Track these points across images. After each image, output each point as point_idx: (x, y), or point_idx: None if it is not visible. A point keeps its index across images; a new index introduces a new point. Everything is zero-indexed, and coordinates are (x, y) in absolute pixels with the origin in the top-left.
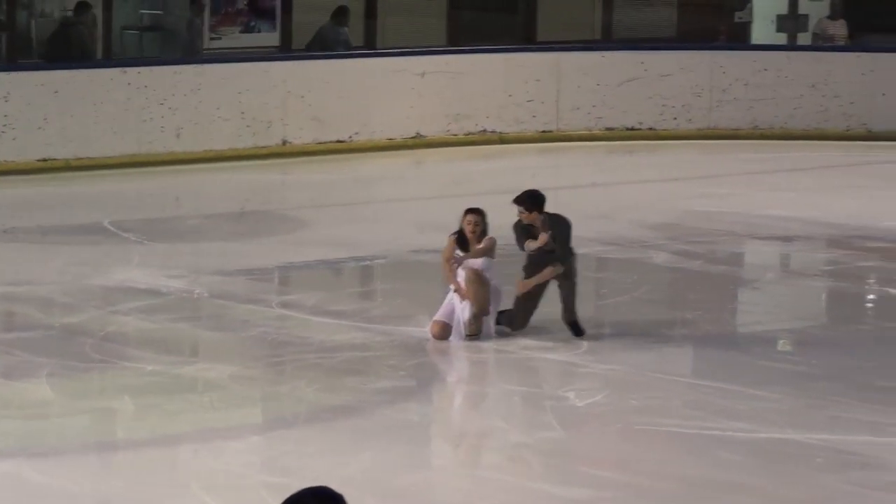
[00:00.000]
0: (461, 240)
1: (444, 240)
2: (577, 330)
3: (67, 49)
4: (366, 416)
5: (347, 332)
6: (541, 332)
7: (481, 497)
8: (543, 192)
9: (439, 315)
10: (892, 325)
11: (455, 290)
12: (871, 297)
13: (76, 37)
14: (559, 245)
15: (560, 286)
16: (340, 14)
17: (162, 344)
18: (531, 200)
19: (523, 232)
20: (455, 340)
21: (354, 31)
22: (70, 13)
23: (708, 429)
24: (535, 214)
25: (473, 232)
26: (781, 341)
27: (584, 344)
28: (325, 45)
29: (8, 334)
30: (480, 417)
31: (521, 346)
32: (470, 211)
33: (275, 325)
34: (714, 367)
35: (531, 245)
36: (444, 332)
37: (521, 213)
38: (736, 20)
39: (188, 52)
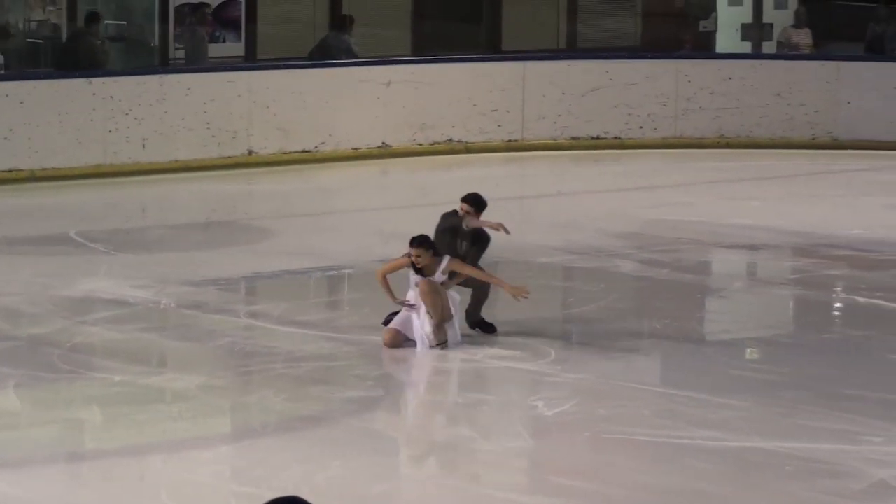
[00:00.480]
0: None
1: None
2: (487, 327)
3: (77, 59)
4: (333, 425)
5: (314, 342)
6: (508, 341)
7: None
8: (509, 200)
9: (394, 323)
10: (859, 333)
11: (405, 307)
12: (838, 305)
13: (85, 47)
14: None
15: (478, 288)
16: (342, 22)
17: (129, 354)
18: (477, 201)
19: (449, 224)
20: (421, 349)
21: (317, 41)
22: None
23: (677, 437)
24: (473, 215)
25: (418, 264)
26: (749, 350)
27: (552, 353)
28: (328, 53)
29: None
30: (448, 427)
31: (489, 356)
32: (412, 244)
33: (242, 336)
34: (682, 375)
35: (471, 222)
36: (395, 339)
37: (463, 209)
38: (700, 29)
39: (193, 61)
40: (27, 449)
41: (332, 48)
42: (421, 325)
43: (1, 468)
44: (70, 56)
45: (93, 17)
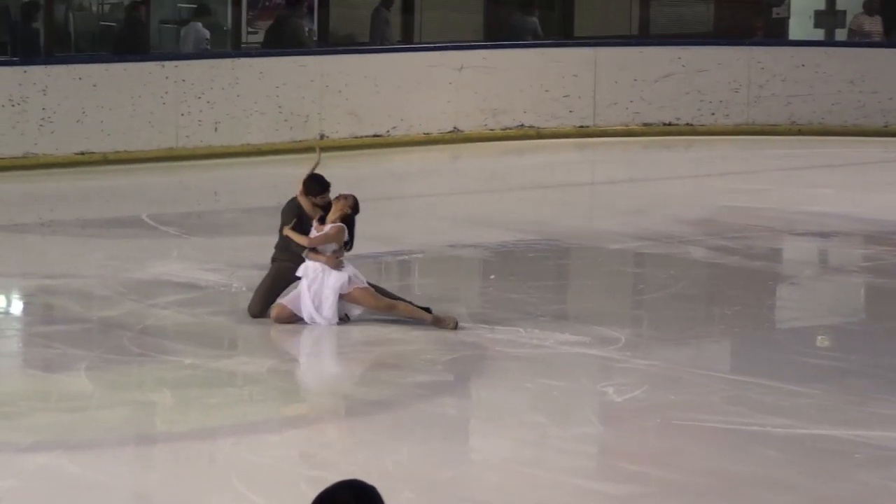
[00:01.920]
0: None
1: (481, 235)
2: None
3: (282, 40)
4: (403, 410)
5: (385, 326)
6: (578, 328)
7: (518, 492)
8: (580, 186)
9: (285, 299)
10: None
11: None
12: None
13: (291, 28)
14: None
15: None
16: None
17: (200, 337)
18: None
19: (294, 214)
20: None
21: (392, 26)
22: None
23: (747, 425)
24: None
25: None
26: (820, 337)
27: (623, 339)
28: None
29: (47, 327)
30: (518, 412)
31: (559, 342)
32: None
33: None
34: (753, 362)
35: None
36: (282, 314)
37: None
38: (773, 16)
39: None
40: (97, 431)
41: (518, 28)
42: (313, 298)
43: (71, 450)
44: (274, 36)
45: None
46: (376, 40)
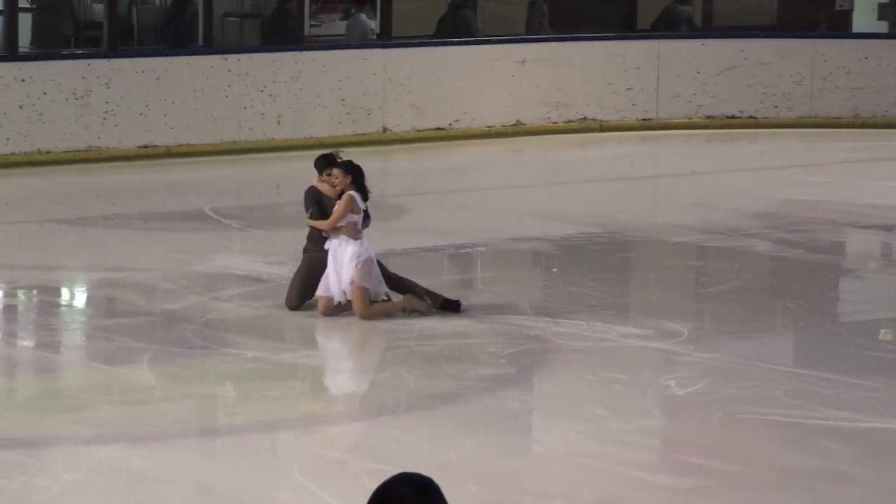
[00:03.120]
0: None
1: (543, 228)
2: (453, 305)
3: (457, 30)
4: (466, 403)
5: (448, 319)
6: (641, 321)
7: (580, 485)
8: (643, 179)
9: (320, 290)
10: None
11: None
12: None
13: (463, 18)
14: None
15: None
16: None
17: (263, 331)
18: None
19: (313, 200)
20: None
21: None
22: None
23: (810, 418)
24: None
25: (335, 186)
26: (883, 330)
27: (685, 332)
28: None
29: (109, 320)
30: (580, 405)
31: (622, 335)
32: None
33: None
34: (815, 356)
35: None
36: (327, 308)
37: (333, 176)
38: (837, 8)
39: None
40: (160, 424)
41: (673, 18)
42: (337, 281)
43: (134, 443)
44: (448, 26)
45: None
46: (533, 30)
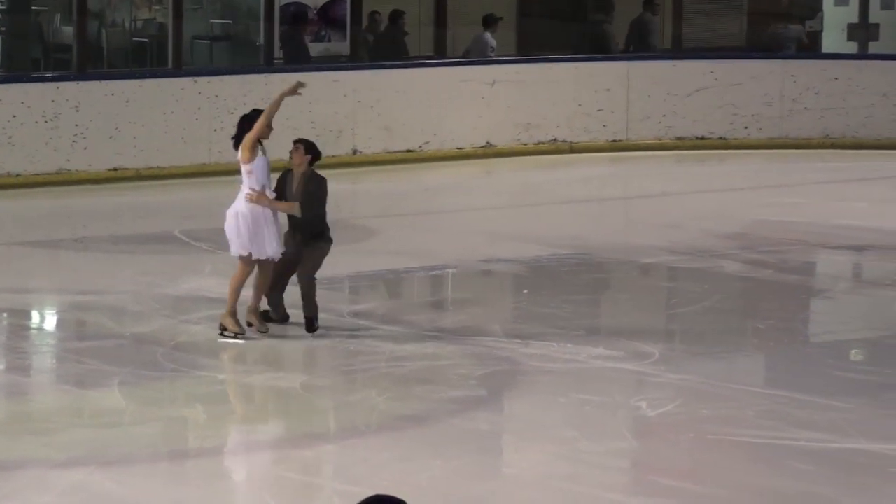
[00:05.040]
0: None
1: (514, 249)
2: (311, 326)
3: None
4: (436, 425)
5: (418, 341)
6: (611, 342)
7: None
8: (614, 200)
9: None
10: None
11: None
12: None
13: (601, 34)
14: (309, 208)
15: (299, 275)
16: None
17: (233, 353)
18: (311, 146)
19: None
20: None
21: (421, 39)
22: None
23: (781, 439)
24: (305, 158)
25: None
26: (854, 351)
27: (656, 353)
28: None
29: (80, 343)
30: (551, 426)
31: (592, 356)
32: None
33: (346, 334)
34: (786, 376)
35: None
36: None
37: (294, 150)
38: (806, 29)
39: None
40: (131, 447)
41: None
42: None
43: (105, 466)
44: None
45: (608, 5)
46: (639, 47)
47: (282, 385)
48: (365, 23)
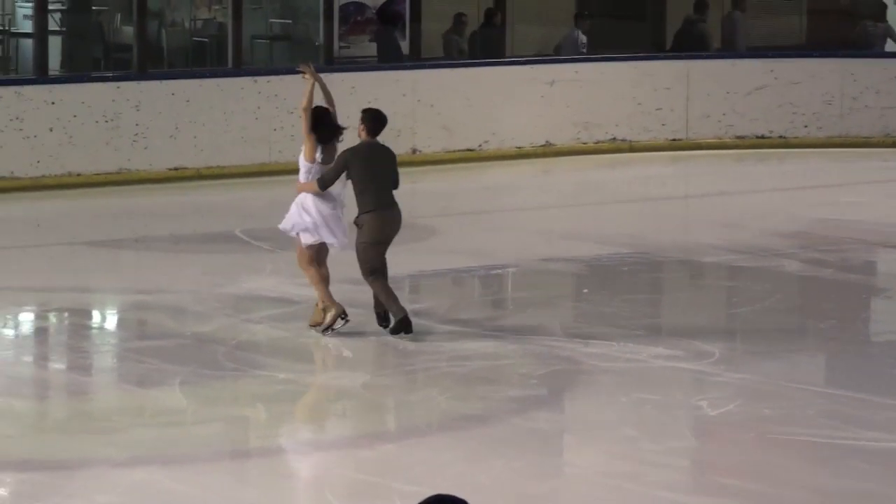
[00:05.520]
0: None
1: (574, 248)
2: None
3: (689, 44)
4: (497, 424)
5: (479, 340)
6: (672, 341)
7: None
8: (673, 199)
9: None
10: None
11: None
12: None
13: (698, 32)
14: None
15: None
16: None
17: (294, 352)
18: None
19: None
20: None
21: (483, 38)
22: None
23: (841, 438)
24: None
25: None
26: None
27: (716, 353)
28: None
29: (140, 343)
30: (612, 426)
31: (653, 355)
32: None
33: (406, 334)
34: (847, 376)
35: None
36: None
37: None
38: (868, 28)
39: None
40: (192, 446)
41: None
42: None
43: (166, 465)
44: (685, 40)
45: (703, 4)
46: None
47: (343, 384)
48: (449, 24)
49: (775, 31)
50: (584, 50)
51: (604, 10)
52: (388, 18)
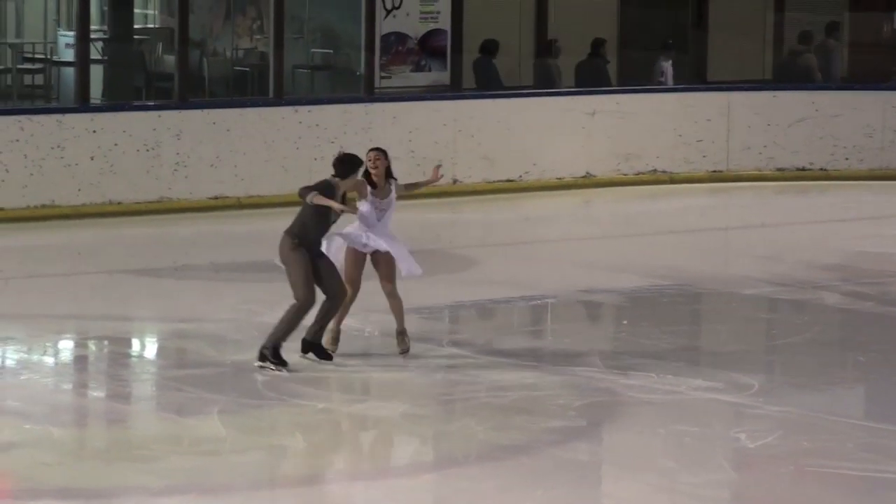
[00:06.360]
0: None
1: (613, 280)
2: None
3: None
4: (536, 455)
5: (517, 371)
6: (711, 373)
7: None
8: (713, 231)
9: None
10: None
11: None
12: None
13: (804, 64)
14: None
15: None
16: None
17: (333, 382)
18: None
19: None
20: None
21: (523, 70)
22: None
23: (882, 471)
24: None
25: (376, 167)
26: None
27: (756, 385)
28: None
29: (180, 371)
30: (650, 458)
31: (692, 387)
32: (372, 150)
33: (445, 364)
34: (887, 409)
35: (321, 200)
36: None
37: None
38: None
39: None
40: (230, 475)
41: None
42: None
43: (204, 494)
44: (787, 70)
45: (807, 35)
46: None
47: (382, 414)
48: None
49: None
50: (664, 80)
51: (645, 42)
52: (486, 49)
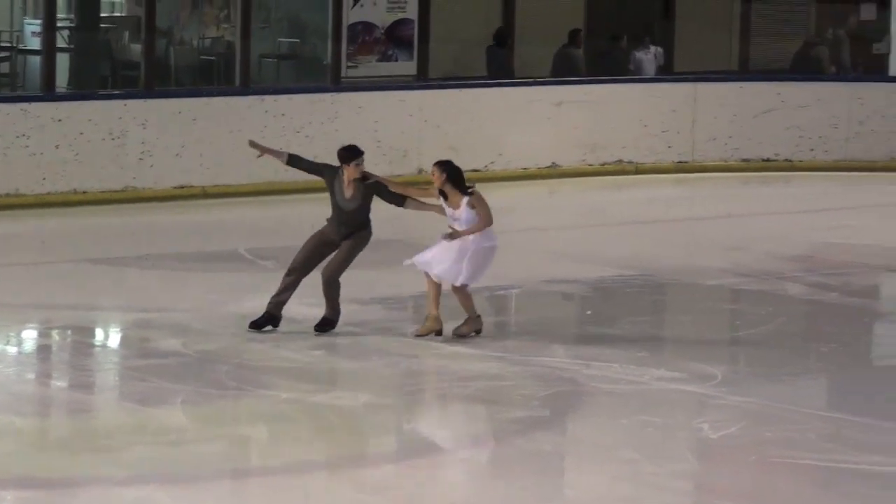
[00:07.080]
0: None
1: (578, 270)
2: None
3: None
4: (499, 445)
5: (482, 361)
6: (674, 363)
7: None
8: (678, 222)
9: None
10: None
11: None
12: None
13: (815, 56)
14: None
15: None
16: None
17: (297, 372)
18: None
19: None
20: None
21: (806, 55)
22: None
23: (844, 462)
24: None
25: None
26: None
27: (719, 375)
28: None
29: (143, 361)
30: (613, 448)
31: (656, 377)
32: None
33: (409, 354)
34: (849, 399)
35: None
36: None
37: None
38: (874, 52)
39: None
40: (193, 465)
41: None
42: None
43: (167, 483)
44: (801, 61)
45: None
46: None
47: (344, 404)
48: (565, 40)
49: (782, 54)
50: (633, 69)
51: (611, 31)
52: (500, 41)
